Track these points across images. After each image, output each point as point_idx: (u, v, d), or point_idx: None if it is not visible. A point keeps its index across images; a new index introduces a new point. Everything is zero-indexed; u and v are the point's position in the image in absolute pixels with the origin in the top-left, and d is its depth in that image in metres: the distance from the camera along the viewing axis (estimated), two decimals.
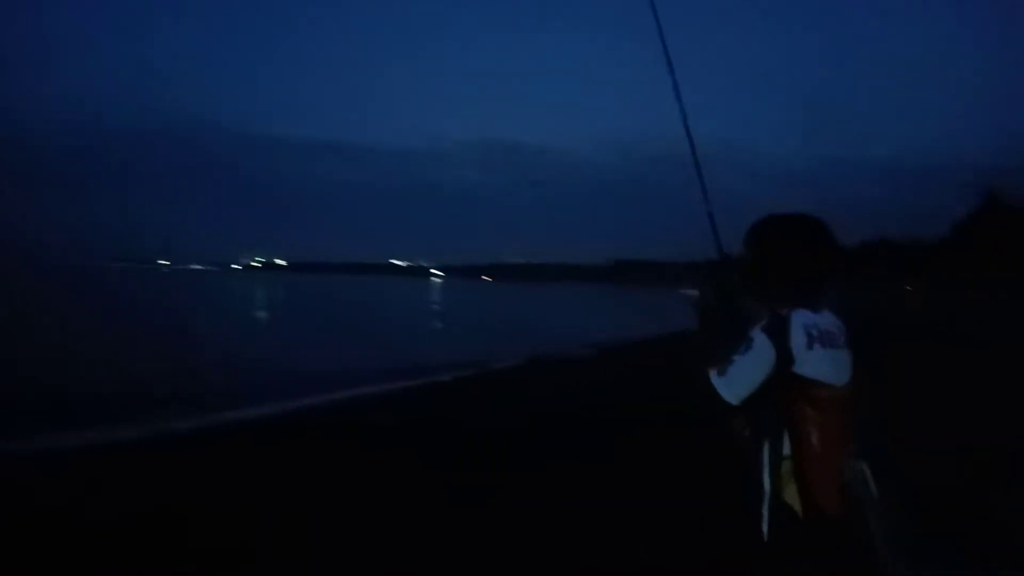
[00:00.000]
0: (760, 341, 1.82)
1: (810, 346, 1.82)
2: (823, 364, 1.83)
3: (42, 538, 4.18)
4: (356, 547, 4.16)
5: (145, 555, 3.98)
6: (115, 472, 5.97)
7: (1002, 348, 14.81)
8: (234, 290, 77.20)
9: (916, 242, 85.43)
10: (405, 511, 4.76)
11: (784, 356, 1.80)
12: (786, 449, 1.84)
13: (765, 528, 1.89)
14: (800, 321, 1.84)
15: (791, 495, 1.83)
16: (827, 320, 1.93)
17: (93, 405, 9.75)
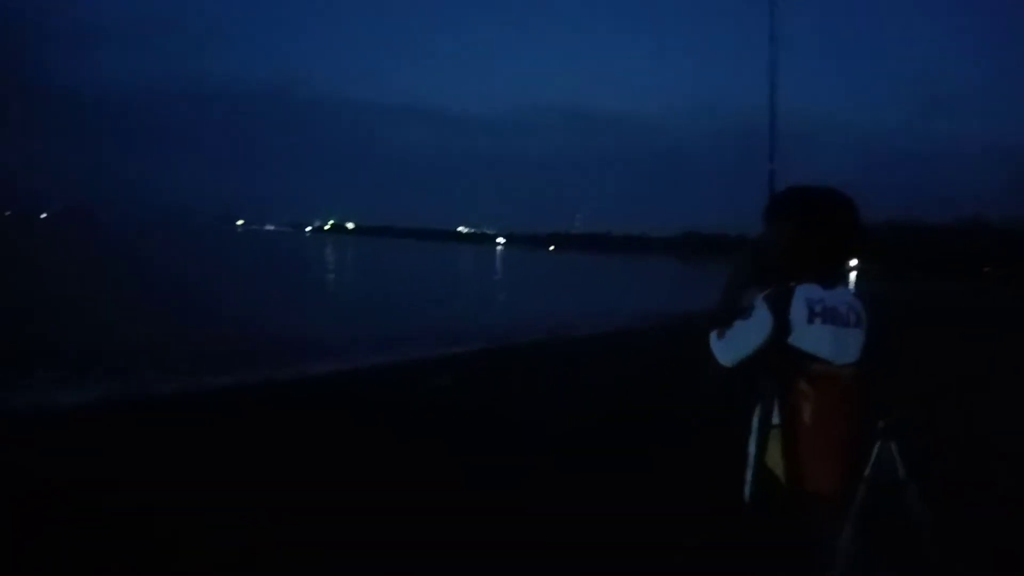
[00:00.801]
0: (760, 310, 1.84)
1: (810, 320, 1.82)
2: (822, 339, 1.83)
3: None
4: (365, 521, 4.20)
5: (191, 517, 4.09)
6: (157, 428, 6.23)
7: None
8: (294, 250, 79.69)
9: (1010, 224, 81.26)
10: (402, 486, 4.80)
11: (782, 326, 1.81)
12: (776, 419, 1.86)
13: (747, 492, 1.93)
14: (804, 295, 1.84)
15: (775, 462, 1.86)
16: (839, 297, 1.90)
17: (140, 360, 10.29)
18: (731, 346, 1.88)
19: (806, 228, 1.93)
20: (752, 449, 1.92)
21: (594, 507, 4.39)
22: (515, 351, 13.26)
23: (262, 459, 5.29)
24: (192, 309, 17.65)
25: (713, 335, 1.93)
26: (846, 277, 2.05)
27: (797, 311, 1.82)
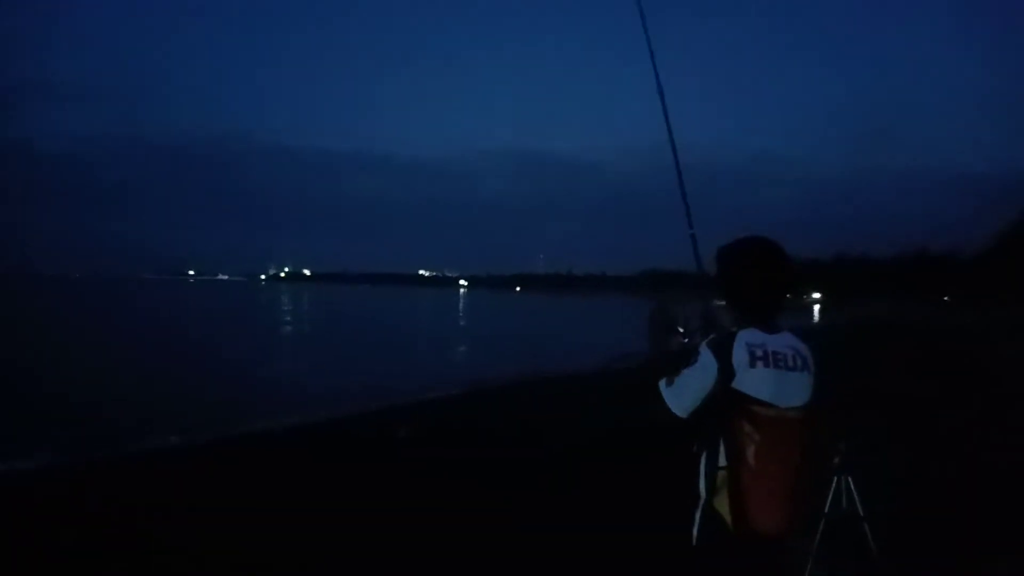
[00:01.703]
0: (705, 356, 1.89)
1: (752, 364, 1.87)
2: (764, 383, 1.87)
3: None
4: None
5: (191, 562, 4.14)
6: (149, 483, 6.15)
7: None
8: (250, 300, 78.75)
9: (955, 254, 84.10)
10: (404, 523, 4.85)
11: (726, 371, 1.86)
12: (722, 460, 1.88)
13: (695, 532, 1.95)
14: (744, 339, 1.90)
15: (722, 504, 1.88)
16: (782, 342, 1.97)
17: (114, 419, 10.11)
18: (681, 394, 1.91)
19: (732, 278, 2.04)
20: (702, 491, 1.95)
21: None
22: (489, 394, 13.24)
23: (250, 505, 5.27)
24: (166, 364, 17.34)
25: (662, 383, 1.95)
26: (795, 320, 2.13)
27: (739, 355, 1.86)
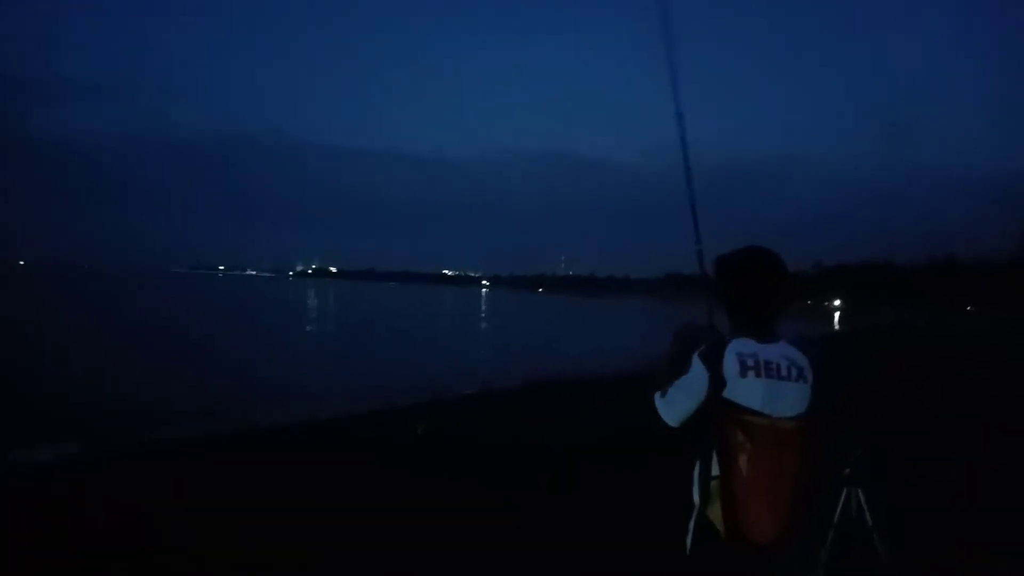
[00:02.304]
0: (696, 366, 1.91)
1: (743, 374, 1.88)
2: (755, 392, 1.88)
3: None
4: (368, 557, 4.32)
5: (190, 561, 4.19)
6: (157, 478, 6.20)
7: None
8: (275, 296, 79.34)
9: (984, 263, 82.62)
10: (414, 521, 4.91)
11: (717, 381, 1.87)
12: (715, 470, 1.90)
13: (688, 541, 1.96)
14: (736, 349, 1.91)
15: (715, 513, 1.89)
16: (776, 352, 1.96)
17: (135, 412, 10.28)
18: (674, 405, 1.94)
19: (725, 288, 2.07)
20: (696, 499, 1.96)
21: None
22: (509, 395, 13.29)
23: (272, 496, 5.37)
24: (183, 359, 17.57)
25: (657, 395, 1.97)
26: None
27: (729, 365, 1.87)
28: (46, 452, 7.77)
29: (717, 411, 1.88)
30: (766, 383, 1.89)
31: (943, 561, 4.06)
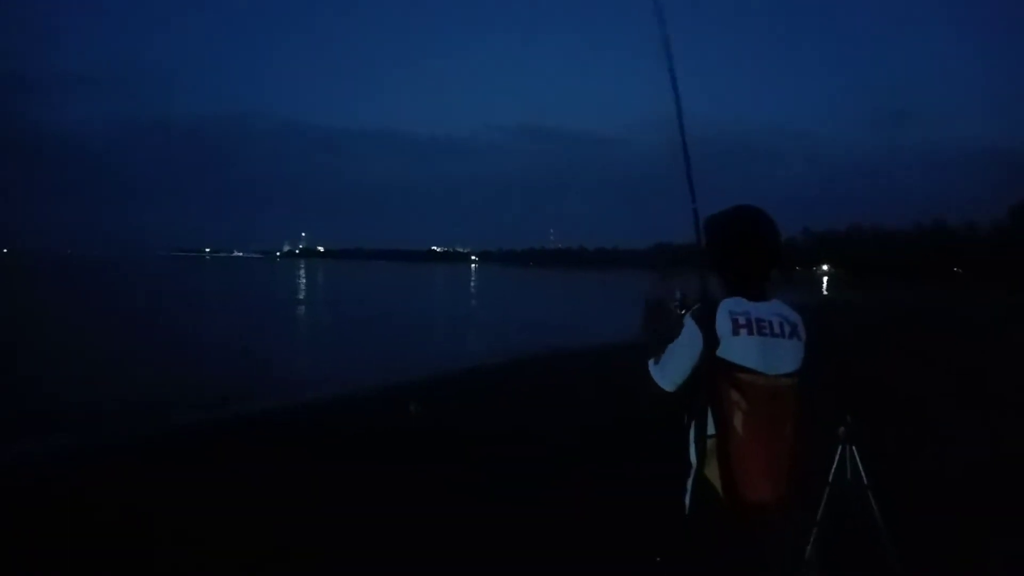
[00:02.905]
0: (689, 326, 1.92)
1: (736, 332, 1.88)
2: (749, 350, 1.87)
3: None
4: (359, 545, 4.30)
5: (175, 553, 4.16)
6: (141, 469, 6.12)
7: None
8: (263, 276, 79.11)
9: (972, 227, 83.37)
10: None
11: (710, 340, 1.87)
12: (710, 429, 1.89)
13: (687, 500, 1.97)
14: (727, 308, 1.91)
15: (712, 473, 1.89)
16: (769, 309, 1.96)
17: (111, 403, 10.12)
18: (668, 368, 1.94)
19: (713, 247, 2.05)
20: (693, 460, 1.96)
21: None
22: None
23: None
24: (172, 346, 17.41)
25: (650, 363, 1.98)
26: (786, 286, 2.11)
27: (722, 324, 1.88)
28: (37, 445, 7.67)
29: (711, 370, 1.87)
30: (759, 340, 1.89)
31: (938, 521, 4.11)
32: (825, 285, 69.83)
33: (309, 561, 4.07)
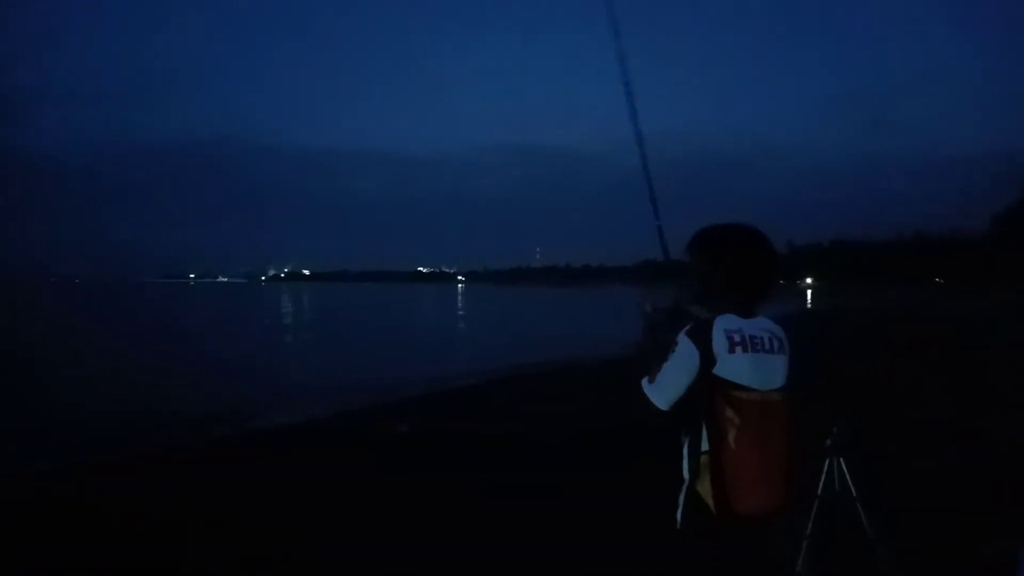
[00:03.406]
0: (684, 344, 1.90)
1: (731, 350, 1.89)
2: (743, 367, 1.89)
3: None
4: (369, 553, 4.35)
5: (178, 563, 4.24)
6: (145, 481, 6.20)
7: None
8: (251, 302, 78.82)
9: (953, 236, 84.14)
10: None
11: (707, 358, 1.88)
12: (704, 445, 1.91)
13: (679, 515, 1.98)
14: (722, 325, 1.92)
15: (704, 488, 1.90)
16: (758, 326, 1.99)
17: (113, 420, 10.20)
18: (664, 387, 1.92)
19: (716, 264, 2.03)
20: (685, 475, 1.97)
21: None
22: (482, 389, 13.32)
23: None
24: (162, 368, 17.39)
25: (644, 381, 1.95)
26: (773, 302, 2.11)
27: (718, 342, 1.88)
28: (44, 462, 7.73)
29: (706, 388, 1.89)
30: (752, 357, 1.92)
31: (928, 532, 4.14)
32: (809, 298, 70.35)
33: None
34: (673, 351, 1.90)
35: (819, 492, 3.47)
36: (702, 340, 1.89)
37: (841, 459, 3.50)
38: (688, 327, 1.94)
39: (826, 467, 3.51)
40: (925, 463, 5.84)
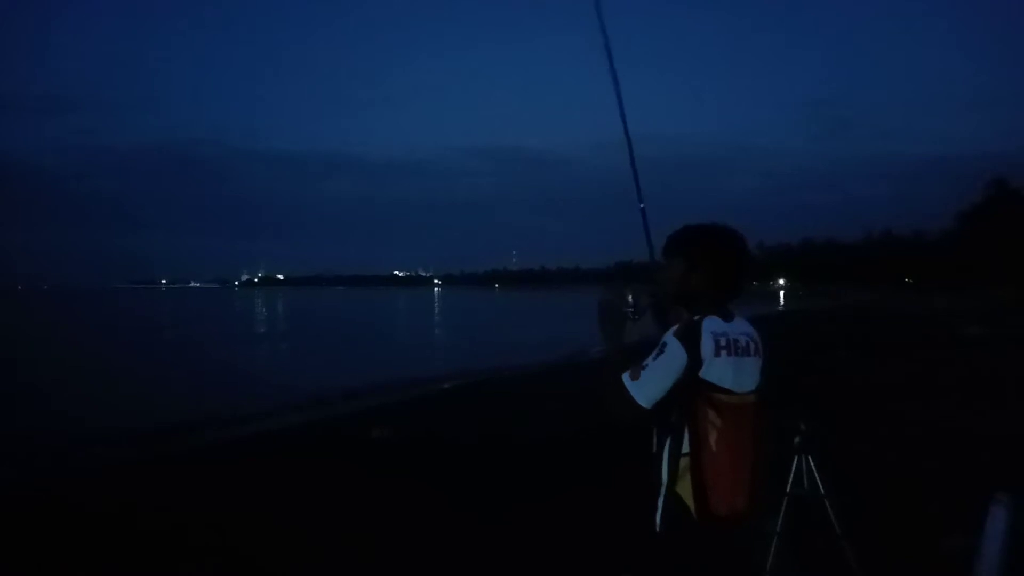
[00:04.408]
0: (673, 346, 1.89)
1: (717, 353, 1.91)
2: (726, 371, 1.92)
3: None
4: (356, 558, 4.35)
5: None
6: (130, 487, 6.13)
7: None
8: (221, 306, 77.84)
9: (919, 236, 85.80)
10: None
11: (694, 361, 1.88)
12: (685, 447, 1.92)
13: (658, 519, 1.98)
14: (710, 328, 1.93)
15: (684, 490, 1.92)
16: (738, 329, 2.01)
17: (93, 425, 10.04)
18: (648, 386, 1.89)
19: (698, 263, 2.03)
20: (664, 478, 1.97)
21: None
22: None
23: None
24: (134, 373, 17.12)
25: (626, 377, 1.91)
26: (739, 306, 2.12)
27: (706, 345, 1.89)
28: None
29: (689, 390, 1.90)
30: (735, 361, 1.94)
31: (895, 528, 4.24)
32: (782, 298, 71.26)
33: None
34: (661, 352, 1.89)
35: (788, 489, 3.53)
36: (691, 343, 1.89)
37: (809, 457, 3.57)
38: (676, 328, 1.94)
39: (795, 465, 3.57)
40: (887, 458, 5.98)
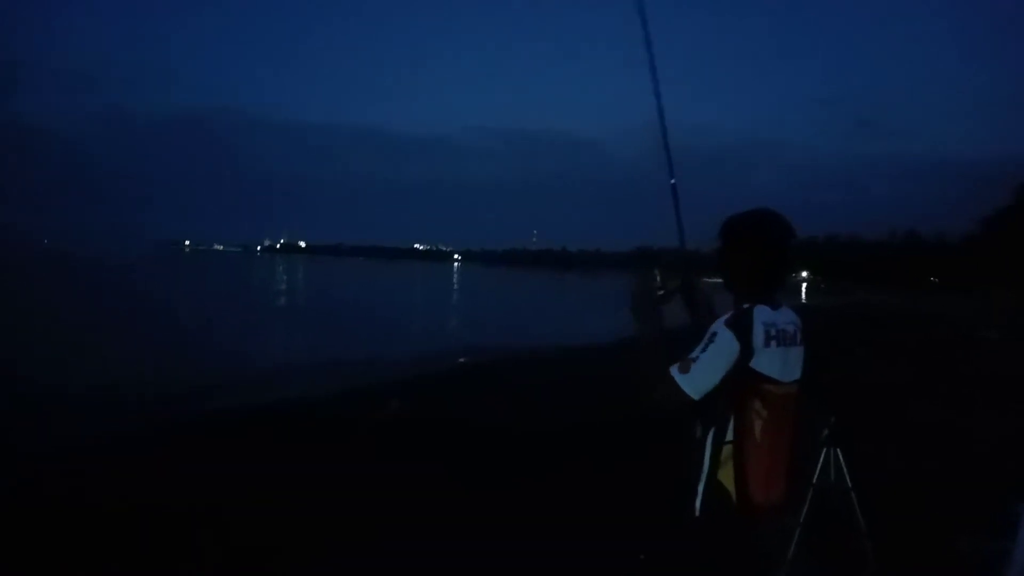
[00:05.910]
0: (725, 336, 1.85)
1: (767, 343, 1.89)
2: (774, 361, 1.90)
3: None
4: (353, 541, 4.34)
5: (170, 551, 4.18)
6: (131, 465, 6.07)
7: None
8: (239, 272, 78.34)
9: (943, 237, 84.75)
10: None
11: (746, 351, 1.86)
12: (729, 435, 1.92)
13: (698, 504, 1.97)
14: (761, 318, 1.91)
15: (726, 477, 1.92)
16: (784, 318, 1.99)
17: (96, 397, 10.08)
18: (698, 378, 1.84)
19: (763, 251, 2.00)
20: (706, 464, 1.95)
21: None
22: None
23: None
24: (151, 341, 17.24)
25: (674, 369, 1.85)
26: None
27: (757, 335, 1.87)
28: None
29: (739, 381, 1.88)
30: (782, 351, 1.93)
31: (908, 527, 4.19)
32: (804, 291, 70.54)
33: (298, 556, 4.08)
34: (712, 341, 1.85)
35: (814, 481, 3.51)
36: (743, 333, 1.86)
37: (837, 450, 3.54)
38: (727, 317, 1.90)
39: (822, 457, 3.54)
40: (912, 458, 5.92)
